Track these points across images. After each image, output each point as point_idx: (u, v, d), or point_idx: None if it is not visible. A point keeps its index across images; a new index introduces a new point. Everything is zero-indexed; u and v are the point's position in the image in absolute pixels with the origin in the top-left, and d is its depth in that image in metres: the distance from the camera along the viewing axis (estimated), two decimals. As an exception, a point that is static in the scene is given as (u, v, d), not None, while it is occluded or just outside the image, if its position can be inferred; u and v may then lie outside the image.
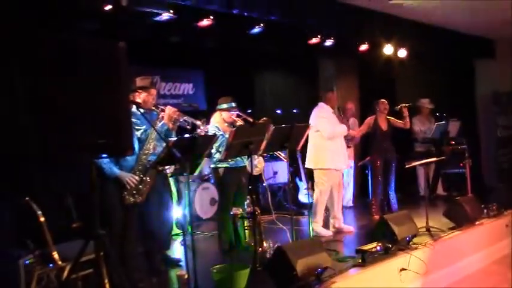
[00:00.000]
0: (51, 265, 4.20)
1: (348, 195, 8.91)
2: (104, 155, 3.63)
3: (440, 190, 9.44)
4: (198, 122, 5.10)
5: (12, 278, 4.41)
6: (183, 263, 5.24)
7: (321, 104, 6.81)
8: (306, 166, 6.84)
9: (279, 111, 9.82)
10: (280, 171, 8.99)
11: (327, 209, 6.86)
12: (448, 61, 9.89)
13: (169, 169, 5.80)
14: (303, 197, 8.58)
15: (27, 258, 4.38)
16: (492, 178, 9.85)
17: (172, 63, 8.94)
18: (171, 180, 6.53)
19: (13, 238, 4.52)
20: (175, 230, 6.57)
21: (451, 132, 9.06)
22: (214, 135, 5.07)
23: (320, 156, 6.64)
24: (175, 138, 4.53)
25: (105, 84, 3.56)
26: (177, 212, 6.28)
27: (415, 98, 9.58)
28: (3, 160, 4.44)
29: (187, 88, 9.48)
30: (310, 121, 6.53)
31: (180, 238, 6.32)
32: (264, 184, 8.50)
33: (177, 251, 6.10)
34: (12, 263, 4.44)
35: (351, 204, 8.89)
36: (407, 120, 7.70)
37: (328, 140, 6.57)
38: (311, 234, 6.02)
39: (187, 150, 4.35)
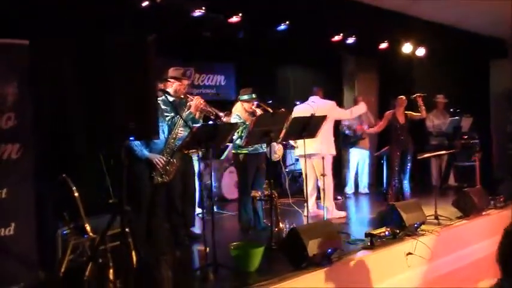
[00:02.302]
0: (85, 236, 4.26)
1: (364, 182, 8.81)
2: (132, 138, 3.65)
3: (451, 181, 9.25)
4: (221, 114, 5.13)
5: (50, 247, 4.50)
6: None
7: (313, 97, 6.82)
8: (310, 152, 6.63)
9: (298, 103, 9.71)
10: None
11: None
12: (463, 60, 9.63)
13: (195, 153, 5.85)
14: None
15: (64, 229, 4.46)
16: (502, 171, 9.57)
17: (206, 56, 8.93)
18: (196, 163, 6.59)
19: (52, 211, 4.61)
20: (197, 209, 6.59)
21: (463, 127, 8.86)
22: (236, 123, 5.05)
23: (333, 144, 6.62)
24: (199, 125, 4.52)
25: (135, 75, 3.59)
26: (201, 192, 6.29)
27: (432, 94, 9.40)
28: (49, 142, 4.54)
29: (219, 79, 9.46)
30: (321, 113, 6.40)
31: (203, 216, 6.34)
32: (286, 170, 8.50)
33: (200, 227, 6.11)
34: (51, 233, 4.54)
35: (367, 191, 8.79)
36: (423, 109, 7.54)
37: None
38: (325, 217, 5.97)
39: (210, 136, 4.33)
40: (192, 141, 4.26)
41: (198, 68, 8.97)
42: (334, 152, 6.70)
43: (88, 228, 4.15)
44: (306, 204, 6.22)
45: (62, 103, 4.03)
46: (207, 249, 4.31)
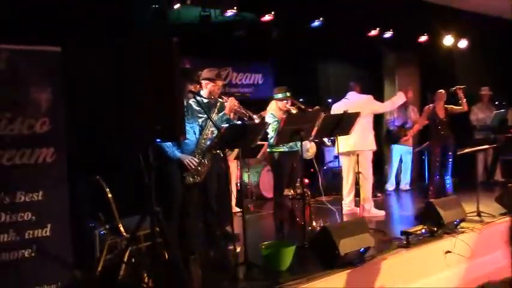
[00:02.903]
0: (121, 236, 4.36)
1: (405, 179, 8.63)
2: (158, 140, 3.71)
3: (498, 176, 8.91)
4: (254, 116, 5.11)
5: (89, 246, 4.63)
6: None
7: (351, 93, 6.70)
8: (349, 150, 6.50)
9: (330, 101, 9.59)
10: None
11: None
12: (508, 51, 9.25)
13: (230, 153, 5.89)
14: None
15: (101, 229, 4.59)
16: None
17: (243, 55, 8.97)
18: (234, 162, 6.62)
19: (90, 211, 4.74)
20: (235, 208, 6.63)
21: (510, 120, 8.50)
22: (265, 122, 5.03)
23: (368, 139, 6.49)
24: (227, 125, 4.53)
25: (161, 77, 3.65)
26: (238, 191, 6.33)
27: (475, 87, 9.09)
28: (84, 145, 4.68)
29: (257, 78, 9.48)
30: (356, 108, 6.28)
31: (239, 215, 6.37)
32: (325, 167, 8.42)
33: (236, 227, 6.14)
34: (87, 234, 4.67)
35: (408, 187, 8.60)
36: (464, 101, 7.30)
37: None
38: (360, 215, 5.89)
39: (239, 136, 4.34)
40: (221, 142, 4.28)
41: (236, 68, 9.02)
42: (373, 147, 6.54)
43: (122, 228, 4.24)
44: (342, 202, 6.15)
45: (94, 106, 4.14)
46: (238, 248, 4.33)
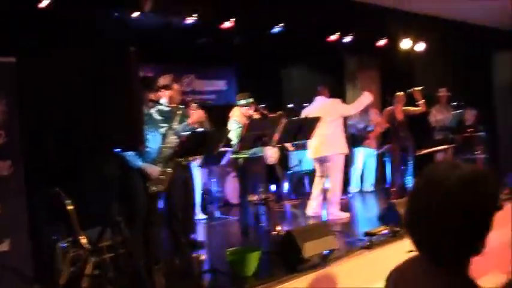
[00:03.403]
0: (84, 248, 4.29)
1: (369, 180, 8.76)
2: (118, 150, 3.67)
3: (457, 175, 9.12)
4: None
5: (51, 260, 4.54)
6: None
7: (319, 98, 6.75)
8: (321, 155, 6.63)
9: (306, 105, 9.67)
10: (306, 159, 8.88)
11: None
12: (466, 53, 9.53)
13: (194, 160, 5.88)
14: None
15: (63, 242, 4.50)
16: (508, 164, 9.45)
17: (206, 62, 8.96)
18: (199, 169, 6.60)
19: (52, 224, 4.65)
20: (201, 215, 6.60)
21: (468, 120, 8.75)
22: (225, 129, 5.04)
23: (338, 142, 6.53)
24: (188, 133, 4.52)
25: (119, 86, 3.62)
26: (203, 198, 6.32)
27: (434, 89, 9.31)
28: (41, 156, 4.59)
29: (220, 84, 9.48)
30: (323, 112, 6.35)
31: (205, 222, 6.37)
32: (289, 172, 8.47)
33: (202, 233, 6.13)
34: (51, 246, 4.57)
35: (371, 189, 8.74)
36: (422, 103, 7.49)
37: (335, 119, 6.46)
38: (324, 218, 5.95)
39: (201, 144, 4.34)
40: (182, 150, 4.27)
41: (199, 75, 9.00)
42: (344, 151, 6.58)
43: (84, 240, 4.17)
44: (307, 205, 6.22)
45: (51, 117, 4.07)
46: (203, 256, 4.32)
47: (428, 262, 1.37)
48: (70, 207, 4.15)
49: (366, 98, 6.79)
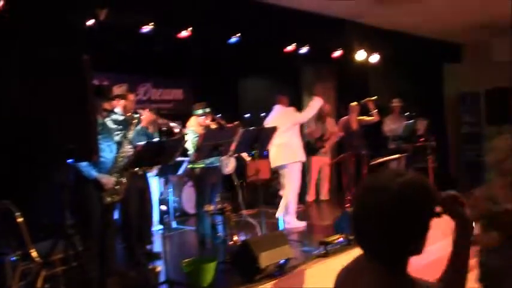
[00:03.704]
0: (35, 262, 4.16)
1: (324, 189, 8.87)
2: (70, 160, 3.59)
3: (411, 183, 9.37)
4: (173, 124, 5.13)
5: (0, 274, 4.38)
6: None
7: (277, 106, 6.83)
8: (278, 163, 6.71)
9: (263, 114, 9.74)
10: (263, 168, 8.91)
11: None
12: (417, 65, 9.83)
13: (152, 170, 5.82)
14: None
15: (13, 255, 4.35)
16: (458, 172, 9.79)
17: (163, 71, 8.91)
18: (155, 179, 6.53)
19: (1, 237, 4.49)
20: (157, 226, 6.52)
21: (419, 130, 8.98)
22: (182, 139, 5.02)
23: (291, 151, 6.59)
24: (143, 143, 4.47)
25: (72, 95, 3.56)
26: (160, 209, 6.25)
27: (387, 99, 9.56)
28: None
29: (177, 94, 9.43)
30: (278, 121, 6.43)
31: (162, 232, 6.29)
32: (246, 181, 8.48)
33: (159, 245, 6.05)
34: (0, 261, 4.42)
35: (327, 198, 8.84)
36: (375, 112, 7.67)
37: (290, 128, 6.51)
38: (281, 227, 5.99)
39: (157, 153, 4.30)
40: (137, 160, 4.22)
41: (155, 83, 8.93)
42: (299, 159, 6.63)
43: (34, 254, 4.05)
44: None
45: (2, 123, 3.94)
46: (159, 267, 4.26)
47: (371, 260, 1.48)
48: (20, 220, 4.03)
49: (317, 102, 6.86)
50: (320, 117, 8.71)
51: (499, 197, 2.67)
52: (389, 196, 1.41)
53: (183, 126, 5.64)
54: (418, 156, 8.82)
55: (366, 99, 7.64)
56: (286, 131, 6.39)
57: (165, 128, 5.15)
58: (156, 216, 6.57)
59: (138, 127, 4.98)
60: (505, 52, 9.69)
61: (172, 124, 5.09)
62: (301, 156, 6.65)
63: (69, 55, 3.68)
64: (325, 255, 4.97)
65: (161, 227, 6.65)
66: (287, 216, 6.51)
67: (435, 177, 7.79)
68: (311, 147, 8.71)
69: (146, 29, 5.95)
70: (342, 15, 7.80)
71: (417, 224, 1.45)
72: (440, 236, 6.32)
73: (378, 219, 1.42)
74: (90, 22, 5.37)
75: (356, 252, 5.06)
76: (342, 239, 5.24)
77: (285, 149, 6.47)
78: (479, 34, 9.39)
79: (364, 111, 7.84)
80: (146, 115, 5.00)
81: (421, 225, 1.47)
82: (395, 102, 9.35)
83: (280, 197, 6.63)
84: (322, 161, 8.78)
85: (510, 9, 7.25)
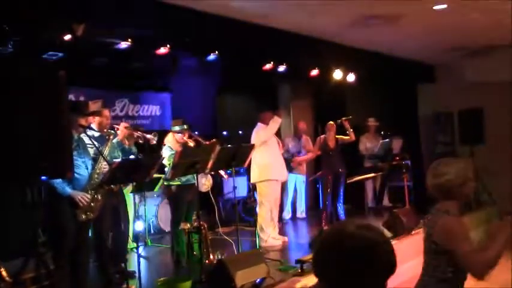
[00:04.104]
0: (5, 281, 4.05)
1: (300, 207, 8.88)
2: (44, 177, 3.52)
3: (386, 202, 9.47)
4: (149, 136, 5.11)
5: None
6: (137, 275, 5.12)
7: (259, 124, 6.88)
8: (252, 181, 6.76)
9: (240, 132, 9.75)
10: (240, 186, 8.88)
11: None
12: (393, 84, 9.99)
13: (128, 186, 5.75)
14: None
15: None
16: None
17: (140, 86, 8.86)
18: (131, 196, 6.44)
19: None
20: (132, 243, 6.42)
21: (394, 148, 9.12)
22: (158, 156, 4.98)
23: (265, 169, 6.62)
24: (119, 160, 4.42)
25: (46, 111, 3.50)
26: (135, 226, 6.15)
27: (364, 118, 9.67)
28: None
29: (154, 110, 9.35)
30: (252, 140, 6.49)
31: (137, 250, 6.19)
32: (224, 198, 8.45)
33: (133, 263, 5.95)
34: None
35: (303, 215, 8.85)
36: (351, 131, 7.76)
37: (262, 146, 6.54)
38: (257, 245, 5.96)
39: (132, 171, 4.25)
40: (113, 177, 4.16)
41: (132, 99, 8.85)
42: (273, 177, 6.65)
43: (4, 273, 3.94)
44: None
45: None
46: (133, 286, 4.18)
47: None
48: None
49: (275, 123, 6.89)
50: (297, 135, 8.77)
51: None
52: (351, 251, 1.50)
53: (161, 142, 5.60)
54: (393, 175, 8.93)
55: (342, 119, 7.72)
56: (259, 148, 6.42)
57: (141, 141, 5.11)
58: (131, 234, 6.47)
59: (115, 140, 4.95)
60: (477, 73, 9.93)
61: (148, 136, 5.07)
62: (276, 175, 6.66)
63: (45, 70, 3.63)
64: (302, 273, 4.94)
65: (136, 245, 6.55)
66: (262, 234, 6.48)
67: (410, 196, 7.87)
68: (286, 164, 8.71)
69: (124, 45, 5.92)
70: (319, 34, 7.90)
71: (373, 280, 1.52)
72: (412, 254, 6.33)
73: (335, 271, 1.51)
74: (68, 37, 5.33)
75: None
76: (318, 257, 5.22)
77: (258, 166, 6.50)
78: (452, 55, 9.60)
79: (341, 130, 7.91)
80: (121, 128, 4.98)
81: (377, 283, 1.53)
82: (371, 121, 9.48)
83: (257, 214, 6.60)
84: (298, 178, 8.79)
85: (480, 32, 7.44)
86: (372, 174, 7.60)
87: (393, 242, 5.91)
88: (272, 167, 6.65)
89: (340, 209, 7.79)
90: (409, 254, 6.38)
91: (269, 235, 6.56)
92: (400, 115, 9.91)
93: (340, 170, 7.75)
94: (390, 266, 1.54)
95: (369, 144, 9.32)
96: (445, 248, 2.60)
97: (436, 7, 6.78)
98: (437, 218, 2.67)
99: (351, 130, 7.73)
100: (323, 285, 1.55)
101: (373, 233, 1.53)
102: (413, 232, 6.74)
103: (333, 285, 1.52)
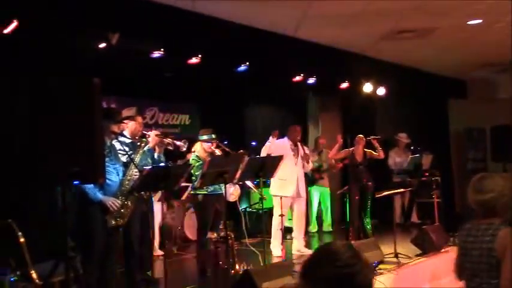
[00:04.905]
0: (35, 283, 4.11)
1: (327, 220, 8.80)
2: (76, 182, 3.57)
3: (414, 218, 9.32)
4: (179, 143, 5.13)
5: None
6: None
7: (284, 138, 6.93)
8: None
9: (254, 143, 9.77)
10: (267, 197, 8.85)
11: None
12: (424, 99, 9.89)
13: (155, 194, 5.79)
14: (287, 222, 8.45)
15: (12, 276, 4.30)
16: (464, 208, 9.70)
17: (170, 95, 8.95)
18: (159, 204, 6.49)
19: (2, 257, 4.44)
20: (158, 251, 6.45)
21: (424, 164, 8.97)
22: (188, 164, 5.01)
23: (275, 184, 6.72)
24: (150, 168, 4.46)
25: (81, 117, 3.56)
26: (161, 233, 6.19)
27: (393, 132, 9.58)
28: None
29: (184, 119, 9.44)
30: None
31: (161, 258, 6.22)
32: (250, 209, 8.43)
33: (158, 271, 5.97)
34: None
35: (330, 229, 8.76)
36: (380, 150, 7.66)
37: None
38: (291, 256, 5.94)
39: (162, 178, 4.28)
40: (143, 184, 4.20)
41: (162, 108, 8.96)
42: (281, 194, 6.68)
43: (34, 275, 4.00)
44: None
45: (9, 143, 3.94)
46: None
47: None
48: (22, 240, 3.99)
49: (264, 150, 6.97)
50: (316, 149, 8.74)
51: None
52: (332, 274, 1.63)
53: (189, 149, 5.63)
54: (422, 191, 8.79)
55: (371, 137, 7.64)
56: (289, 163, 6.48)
57: (171, 148, 5.15)
58: (157, 242, 6.52)
59: (146, 148, 5.00)
60: (510, 89, 9.75)
61: (178, 143, 5.09)
62: (284, 191, 6.62)
63: (80, 78, 3.69)
64: (328, 287, 4.87)
65: (161, 252, 6.58)
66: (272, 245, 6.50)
67: (440, 213, 7.73)
68: (309, 178, 8.65)
69: (156, 54, 6.01)
70: (350, 48, 7.89)
71: None
72: (441, 273, 6.20)
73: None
74: (102, 45, 5.43)
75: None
76: (344, 271, 5.16)
77: (275, 180, 6.58)
78: (485, 70, 9.47)
79: (370, 145, 7.83)
80: (153, 135, 5.02)
81: None
82: (403, 137, 9.33)
83: (284, 227, 6.56)
84: (322, 191, 8.71)
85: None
86: (401, 190, 7.47)
87: (421, 260, 5.85)
88: (282, 182, 6.62)
89: (367, 224, 7.68)
90: (439, 272, 6.26)
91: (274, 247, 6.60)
92: (431, 130, 9.78)
93: (367, 183, 7.66)
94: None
95: (398, 159, 9.20)
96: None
97: (470, 22, 6.71)
98: (495, 232, 2.58)
99: (380, 148, 7.65)
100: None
101: (359, 256, 1.67)
102: (442, 250, 6.61)
103: None
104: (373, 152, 7.75)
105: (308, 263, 1.73)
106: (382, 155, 7.73)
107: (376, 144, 7.62)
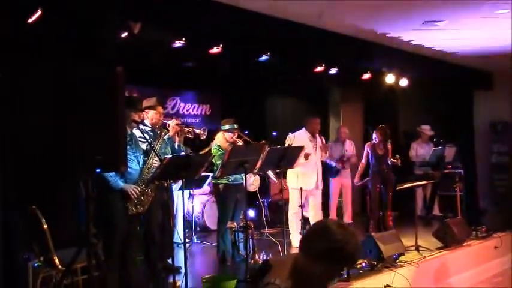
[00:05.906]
0: (57, 268, 4.18)
1: (347, 212, 8.75)
2: (98, 170, 3.60)
3: (436, 211, 9.21)
4: (199, 131, 5.16)
5: (21, 279, 4.41)
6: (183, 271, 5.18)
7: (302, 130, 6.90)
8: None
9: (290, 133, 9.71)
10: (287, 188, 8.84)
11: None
12: (448, 90, 9.72)
13: (175, 183, 5.82)
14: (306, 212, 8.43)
15: (35, 261, 4.38)
16: (487, 201, 9.57)
17: (192, 85, 8.98)
18: (180, 193, 6.53)
19: (23, 242, 4.52)
20: (179, 239, 6.50)
21: (447, 157, 8.83)
22: (209, 154, 5.02)
23: (291, 176, 6.68)
24: (170, 156, 4.48)
25: (103, 105, 3.58)
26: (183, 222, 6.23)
27: (416, 123, 9.46)
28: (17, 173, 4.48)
29: (205, 109, 9.48)
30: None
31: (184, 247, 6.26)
32: (270, 200, 8.43)
33: (179, 259, 6.02)
34: (22, 265, 4.45)
35: (350, 221, 8.71)
36: (399, 160, 7.57)
37: None
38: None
39: (182, 167, 4.30)
40: (163, 172, 4.23)
41: (184, 98, 9.00)
42: (293, 186, 6.67)
43: (57, 261, 4.07)
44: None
45: (29, 134, 3.98)
46: (179, 282, 4.23)
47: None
48: (45, 226, 4.06)
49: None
50: (338, 139, 8.67)
51: None
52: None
53: (210, 140, 5.65)
54: (445, 184, 8.68)
55: (391, 159, 7.53)
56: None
57: (191, 136, 5.17)
58: (178, 230, 6.57)
59: (166, 137, 5.03)
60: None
61: (197, 131, 5.11)
62: (300, 183, 6.43)
63: (103, 67, 3.72)
64: (348, 279, 4.86)
65: (182, 240, 6.63)
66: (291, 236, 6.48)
67: (462, 206, 7.63)
68: (330, 169, 8.59)
69: (178, 44, 6.01)
70: (372, 38, 7.78)
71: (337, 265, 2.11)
72: (463, 266, 6.17)
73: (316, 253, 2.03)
74: (124, 35, 5.46)
75: (379, 278, 5.00)
76: (364, 263, 5.15)
77: (293, 172, 6.57)
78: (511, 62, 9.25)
79: (392, 134, 7.76)
80: (172, 124, 5.05)
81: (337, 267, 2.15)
82: (426, 130, 9.20)
83: (303, 217, 6.53)
84: (343, 183, 8.65)
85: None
86: (423, 182, 7.37)
87: (443, 253, 5.80)
88: (298, 175, 6.56)
89: (388, 216, 7.62)
90: (460, 266, 6.21)
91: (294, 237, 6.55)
92: (455, 122, 9.63)
93: (389, 176, 7.59)
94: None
95: (420, 151, 9.08)
96: None
97: (497, 11, 6.55)
98: None
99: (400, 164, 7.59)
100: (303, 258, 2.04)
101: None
102: (464, 243, 6.53)
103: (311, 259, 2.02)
104: (395, 158, 7.64)
105: (304, 238, 2.09)
106: (399, 163, 7.65)
107: (397, 161, 7.53)
